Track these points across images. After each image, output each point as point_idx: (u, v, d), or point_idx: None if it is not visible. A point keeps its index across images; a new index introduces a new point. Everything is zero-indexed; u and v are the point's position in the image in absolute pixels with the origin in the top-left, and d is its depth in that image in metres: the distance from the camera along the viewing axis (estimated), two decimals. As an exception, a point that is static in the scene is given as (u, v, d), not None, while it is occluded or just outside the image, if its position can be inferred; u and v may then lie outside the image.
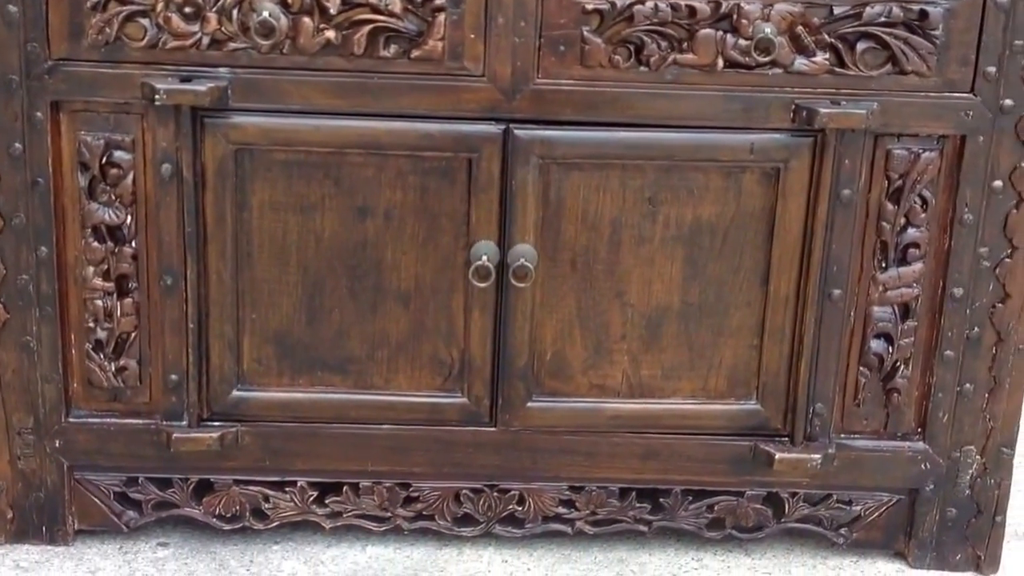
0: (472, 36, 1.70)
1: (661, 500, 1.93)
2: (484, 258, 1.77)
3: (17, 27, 1.67)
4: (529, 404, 1.87)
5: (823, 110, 1.72)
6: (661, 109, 1.75)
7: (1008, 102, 1.75)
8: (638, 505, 1.94)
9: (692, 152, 1.77)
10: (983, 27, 1.72)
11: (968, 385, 1.88)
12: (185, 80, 1.69)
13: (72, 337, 1.81)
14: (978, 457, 1.91)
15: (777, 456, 1.87)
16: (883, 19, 1.71)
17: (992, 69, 1.74)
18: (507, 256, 1.78)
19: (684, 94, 1.74)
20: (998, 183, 1.79)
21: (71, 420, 1.85)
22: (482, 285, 1.78)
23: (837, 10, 1.70)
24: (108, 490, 1.89)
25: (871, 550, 1.98)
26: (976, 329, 1.86)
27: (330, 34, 1.69)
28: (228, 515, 1.91)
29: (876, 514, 1.95)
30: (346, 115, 1.73)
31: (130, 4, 1.66)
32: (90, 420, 1.85)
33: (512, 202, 1.77)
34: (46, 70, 1.69)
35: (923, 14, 1.70)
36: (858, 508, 1.94)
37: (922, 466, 1.91)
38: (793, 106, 1.74)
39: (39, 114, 1.70)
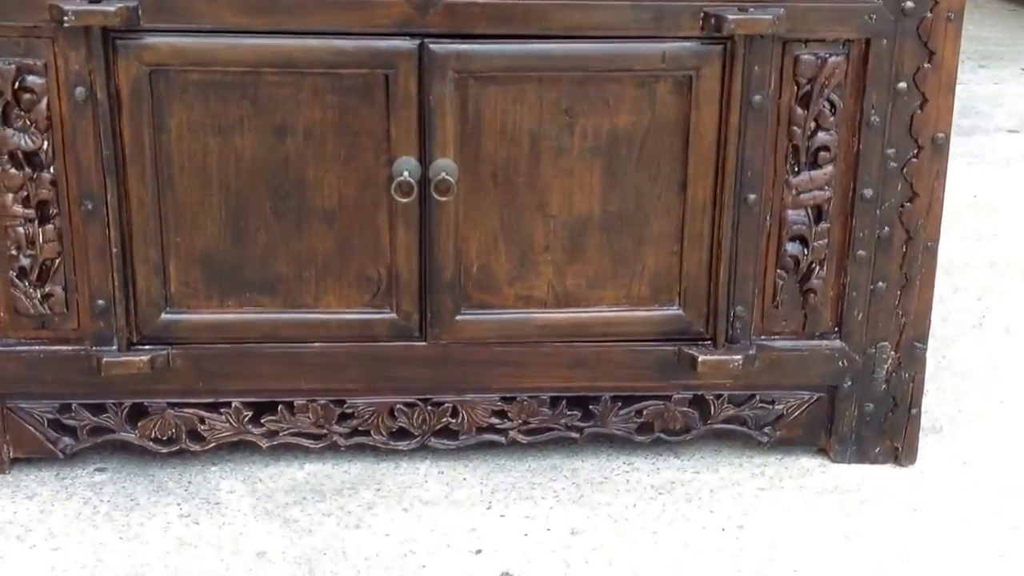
0: (382, -51, 1.58)
1: (591, 407, 1.84)
2: (405, 174, 1.65)
3: (-81, -49, 1.53)
4: (458, 317, 1.76)
5: (731, 16, 1.62)
6: (573, 20, 1.63)
7: (909, 4, 1.66)
8: (569, 413, 1.84)
9: (606, 62, 1.66)
10: (882, -69, 1.63)
11: (881, 283, 1.79)
12: (94, 1, 1.55)
13: (-5, 265, 1.69)
14: (892, 352, 1.83)
15: (700, 359, 1.77)
16: (787, -76, 1.61)
17: (893, -28, 1.65)
18: (428, 171, 1.67)
19: (595, 4, 1.63)
20: (903, 85, 1.70)
21: (0, 348, 1.72)
22: (405, 201, 1.66)
23: (742, -87, 1.60)
24: (42, 417, 1.76)
25: (794, 447, 1.90)
26: (887, 228, 1.77)
27: (239, -50, 1.56)
28: (164, 438, 1.79)
29: (798, 412, 1.86)
30: (260, 33, 1.61)
31: (34, -76, 1.53)
32: (19, 348, 1.72)
33: (431, 117, 1.66)
34: (-49, -6, 1.55)
35: (825, -84, 1.61)
36: (780, 407, 1.86)
37: (840, 363, 1.83)
38: (702, 14, 1.64)
39: (-54, 39, 1.56)
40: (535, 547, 1.68)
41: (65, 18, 1.54)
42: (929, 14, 1.67)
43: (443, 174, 1.66)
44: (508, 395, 1.82)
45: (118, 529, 1.69)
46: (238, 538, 1.68)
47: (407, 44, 1.63)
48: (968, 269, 2.62)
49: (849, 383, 1.84)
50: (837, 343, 1.82)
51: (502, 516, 1.74)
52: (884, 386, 1.85)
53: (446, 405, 1.82)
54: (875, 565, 1.66)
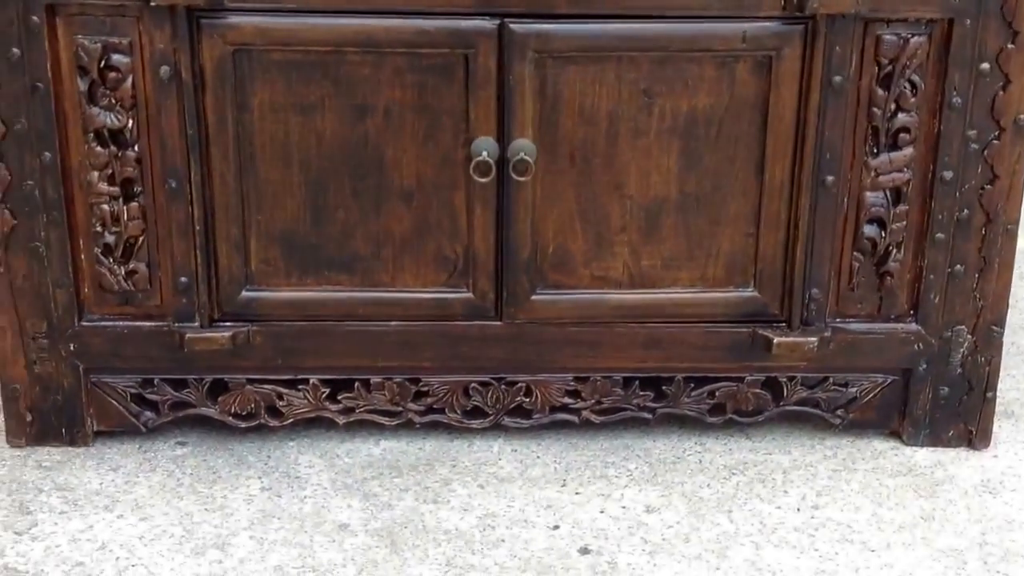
0: (465, -72, 1.56)
1: (664, 388, 1.82)
2: (484, 154, 1.63)
3: (10, -69, 1.52)
4: (533, 297, 1.74)
5: (814, -5, 1.58)
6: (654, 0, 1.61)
7: (995, -17, 1.62)
8: (642, 393, 1.82)
9: (686, 43, 1.63)
10: (969, -90, 1.58)
11: (959, 266, 1.75)
12: (180, -20, 1.55)
13: (81, 242, 1.69)
14: (969, 336, 1.79)
15: (775, 340, 1.75)
16: (872, -97, 1.57)
17: (979, -49, 1.60)
18: (507, 151, 1.65)
19: (677, -17, 1.60)
20: (985, 66, 1.65)
21: (84, 324, 1.72)
22: (483, 180, 1.64)
23: None
24: (125, 392, 1.77)
25: (867, 430, 1.87)
26: (966, 211, 1.73)
27: (323, -70, 1.54)
28: (243, 413, 1.79)
29: (871, 395, 1.83)
30: (342, 13, 1.59)
31: (122, -96, 1.52)
32: (103, 323, 1.73)
33: (510, 97, 1.63)
34: (40, -27, 1.54)
35: None
36: (854, 390, 1.83)
37: (915, 346, 1.79)
38: (784, -7, 1.61)
39: (35, 18, 1.56)
40: (611, 524, 1.67)
41: (152, -3, 1.54)
42: (1014, -6, 1.63)
43: (522, 154, 1.64)
44: (581, 375, 1.81)
45: (202, 500, 1.70)
46: (320, 511, 1.68)
47: (487, 24, 1.60)
48: (1033, 253, 2.57)
49: (924, 366, 1.81)
50: (913, 326, 1.79)
51: (577, 494, 1.73)
52: (959, 370, 1.81)
53: (520, 384, 1.81)
54: (952, 546, 1.64)
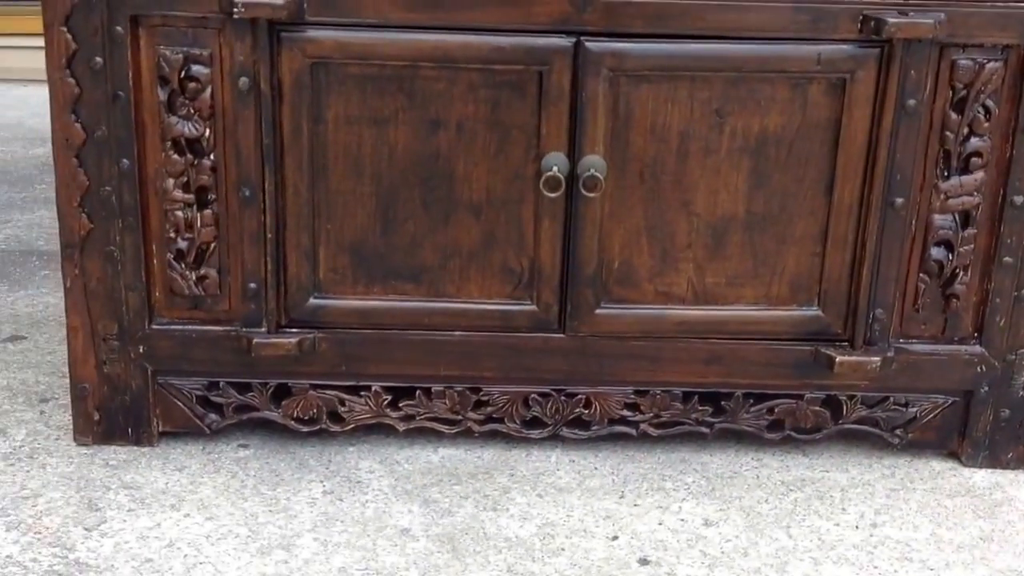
0: (544, -53, 1.62)
1: (723, 403, 1.90)
2: (555, 169, 1.70)
3: (94, -59, 1.60)
4: (597, 311, 1.82)
5: (891, 20, 1.64)
6: (730, 20, 1.67)
7: (1074, 10, 1.67)
8: (700, 408, 1.90)
9: (760, 64, 1.69)
10: (1049, -66, 1.64)
11: (1025, 290, 1.82)
12: (261, -7, 1.62)
13: (154, 247, 1.77)
14: (1033, 360, 1.86)
15: (838, 359, 1.82)
16: (952, -73, 1.63)
17: (1059, -23, 1.65)
18: (577, 167, 1.72)
19: (753, 5, 1.66)
20: (1061, 92, 1.72)
21: (154, 327, 1.81)
22: (552, 195, 1.72)
23: (910, -82, 1.62)
24: (191, 394, 1.86)
25: (925, 450, 1.95)
26: (1035, 236, 1.80)
27: (404, -54, 1.61)
28: (306, 418, 1.88)
29: (931, 415, 1.90)
30: (419, 29, 1.66)
31: (205, -83, 1.59)
32: (172, 327, 1.82)
33: (582, 114, 1.70)
34: (124, -16, 1.62)
35: (996, -79, 1.62)
36: (914, 410, 1.90)
37: (978, 369, 1.86)
38: (861, 17, 1.67)
39: (119, 28, 1.64)
40: (670, 536, 1.75)
41: (235, 10, 1.60)
42: (1094, 21, 1.68)
43: (592, 170, 1.71)
44: (641, 388, 1.89)
45: (266, 502, 1.79)
46: (382, 515, 1.77)
47: (563, 42, 1.67)
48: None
49: (986, 388, 1.87)
50: (977, 348, 1.86)
51: (635, 505, 1.82)
52: (1022, 392, 1.88)
53: (580, 396, 1.89)
54: (1012, 566, 1.71)
